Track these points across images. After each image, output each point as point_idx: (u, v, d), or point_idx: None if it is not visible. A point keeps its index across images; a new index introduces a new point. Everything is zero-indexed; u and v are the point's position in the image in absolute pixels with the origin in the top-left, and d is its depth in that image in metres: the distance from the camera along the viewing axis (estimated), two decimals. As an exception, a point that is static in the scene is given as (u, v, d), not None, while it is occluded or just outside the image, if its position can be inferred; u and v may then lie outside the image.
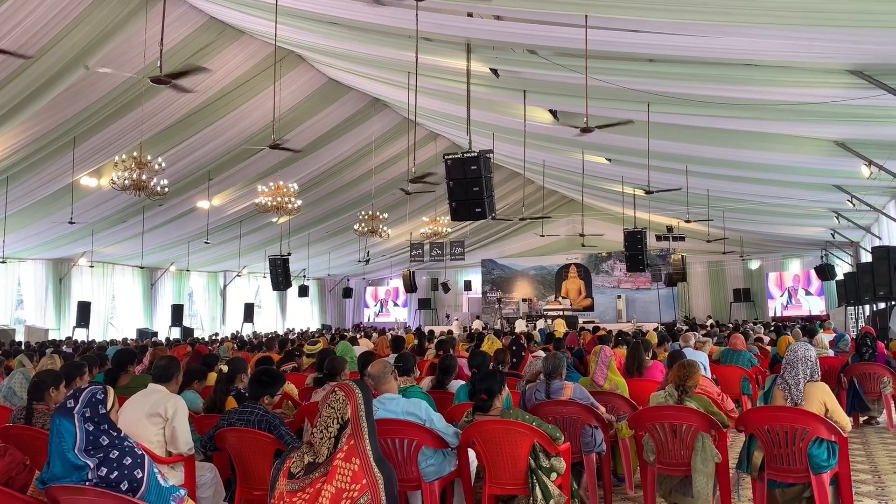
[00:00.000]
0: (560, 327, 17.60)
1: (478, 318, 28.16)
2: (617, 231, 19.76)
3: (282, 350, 10.68)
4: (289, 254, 20.93)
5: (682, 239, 24.25)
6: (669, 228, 23.43)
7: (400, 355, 6.33)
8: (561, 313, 25.12)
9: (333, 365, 6.11)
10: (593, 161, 17.37)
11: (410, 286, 29.18)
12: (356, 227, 20.61)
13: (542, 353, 8.37)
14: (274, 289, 21.74)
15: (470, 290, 34.16)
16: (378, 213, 20.39)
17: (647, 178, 14.31)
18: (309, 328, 29.74)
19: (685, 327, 18.00)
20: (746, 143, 12.63)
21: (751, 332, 13.56)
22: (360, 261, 27.38)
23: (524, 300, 31.01)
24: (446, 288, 32.88)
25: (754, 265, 29.28)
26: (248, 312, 28.47)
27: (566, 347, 9.92)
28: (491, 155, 9.30)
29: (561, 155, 18.18)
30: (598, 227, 25.56)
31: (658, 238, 24.42)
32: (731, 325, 20.29)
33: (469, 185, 8.94)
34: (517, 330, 19.97)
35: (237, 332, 25.85)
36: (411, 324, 33.40)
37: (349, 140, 18.96)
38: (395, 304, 37.25)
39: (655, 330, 15.14)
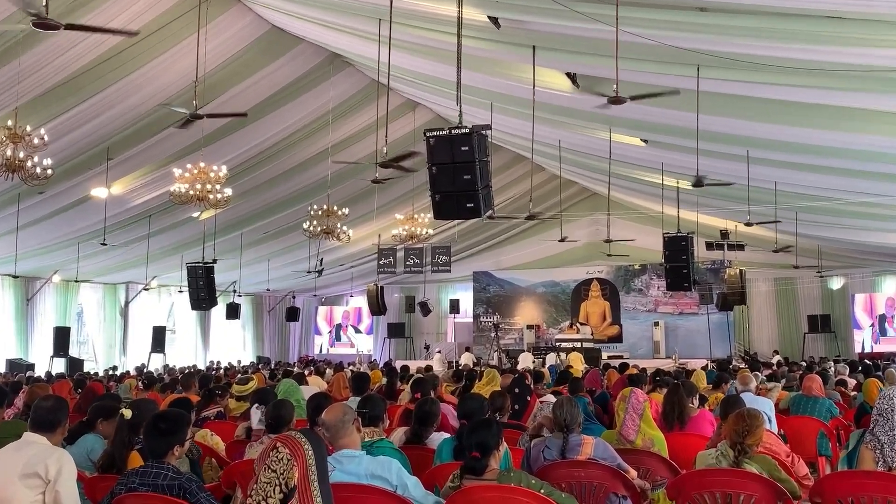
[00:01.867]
0: (577, 363, 17.68)
1: (468, 349, 28.17)
2: (654, 236, 19.84)
3: (203, 390, 10.62)
4: (214, 261, 20.85)
5: (742, 248, 24.40)
6: (724, 234, 23.59)
7: (365, 398, 6.32)
8: (579, 345, 25.22)
9: (280, 412, 6.05)
10: (624, 142, 17.47)
11: (377, 307, 29.12)
12: (306, 225, 20.56)
13: (552, 398, 8.39)
14: (193, 308, 21.62)
15: (457, 312, 34.20)
16: (336, 208, 20.35)
17: (696, 166, 14.39)
18: (240, 361, 29.61)
19: (743, 365, 18.11)
20: (828, 122, 12.73)
21: (831, 373, 13.66)
22: (309, 271, 27.30)
23: (530, 327, 31.06)
24: (426, 309, 32.83)
25: (836, 284, 29.52)
26: (159, 339, 28.32)
27: (586, 390, 9.94)
28: (488, 132, 9.32)
29: (581, 133, 18.28)
30: (630, 230, 25.66)
31: (709, 246, 24.59)
32: (804, 364, 20.43)
33: (458, 173, 8.93)
34: (521, 366, 20.01)
35: (143, 365, 25.71)
36: (378, 357, 33.35)
37: (298, 109, 18.93)
38: (357, 331, 37.21)
39: (704, 369, 15.23)
